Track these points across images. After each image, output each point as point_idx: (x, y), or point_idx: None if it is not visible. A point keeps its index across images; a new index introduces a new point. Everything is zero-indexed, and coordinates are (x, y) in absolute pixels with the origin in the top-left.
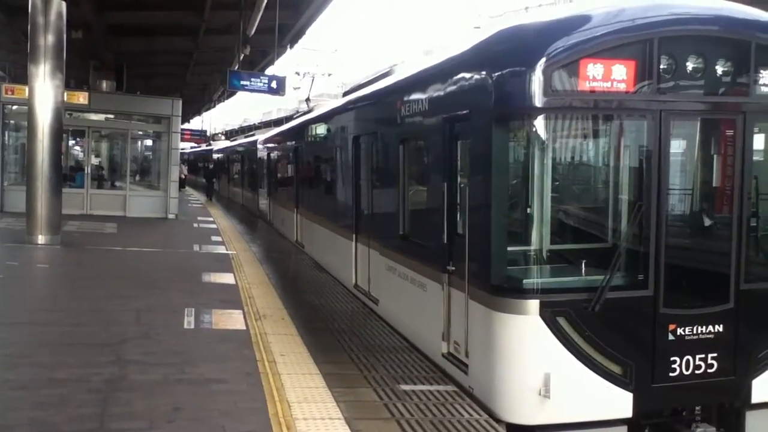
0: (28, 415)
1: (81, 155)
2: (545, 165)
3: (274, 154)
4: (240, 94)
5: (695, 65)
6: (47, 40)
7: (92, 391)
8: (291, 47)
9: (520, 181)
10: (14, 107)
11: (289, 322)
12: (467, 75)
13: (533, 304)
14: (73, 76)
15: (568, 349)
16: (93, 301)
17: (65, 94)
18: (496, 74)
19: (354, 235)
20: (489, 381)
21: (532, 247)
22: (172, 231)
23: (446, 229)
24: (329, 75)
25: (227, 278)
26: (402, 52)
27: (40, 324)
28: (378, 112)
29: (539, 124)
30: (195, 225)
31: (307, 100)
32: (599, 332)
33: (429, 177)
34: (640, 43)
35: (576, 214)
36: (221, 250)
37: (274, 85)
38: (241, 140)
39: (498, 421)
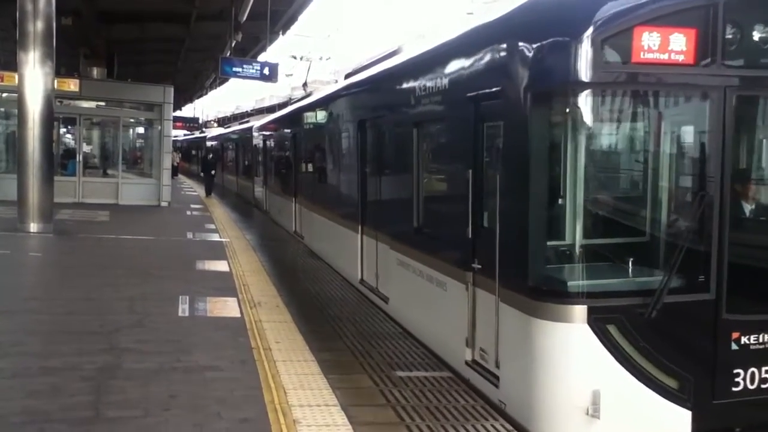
0: (21, 404)
1: (72, 143)
2: (591, 149)
3: (270, 141)
4: (232, 82)
5: (763, 34)
6: (36, 26)
7: (86, 379)
8: (283, 34)
9: (563, 167)
10: (4, 95)
11: (284, 309)
12: (498, 47)
13: (580, 311)
14: (64, 64)
15: (620, 361)
16: (86, 290)
17: (55, 81)
18: (535, 45)
19: (359, 227)
20: (526, 397)
21: (578, 243)
22: (165, 219)
23: (471, 222)
24: (327, 59)
25: (221, 266)
26: (394, 38)
27: (33, 312)
28: (387, 94)
29: (585, 101)
30: (188, 213)
31: (305, 85)
32: (654, 342)
33: (448, 164)
34: (701, 8)
35: (625, 206)
36: (215, 237)
37: (266, 71)
38: (235, 127)
39: None
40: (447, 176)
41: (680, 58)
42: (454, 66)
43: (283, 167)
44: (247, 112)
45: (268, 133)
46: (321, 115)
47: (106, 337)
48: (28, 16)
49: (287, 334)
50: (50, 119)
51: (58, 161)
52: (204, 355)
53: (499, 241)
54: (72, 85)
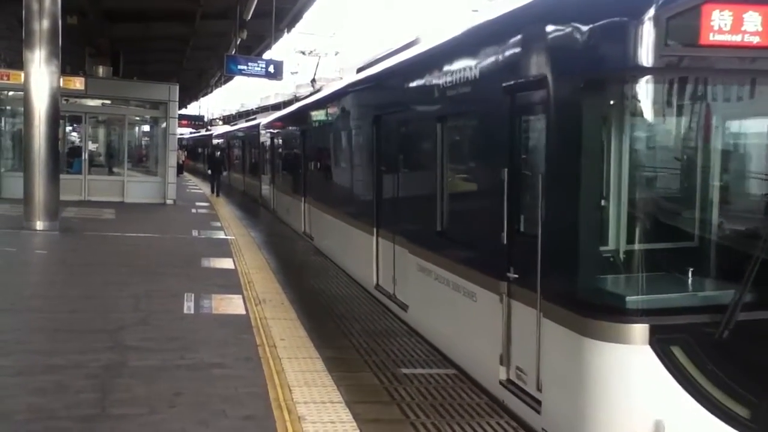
0: (26, 402)
1: (78, 141)
2: (651, 143)
3: (278, 138)
4: (237, 80)
5: None
6: (42, 25)
7: (91, 377)
8: (288, 31)
9: (619, 164)
10: (10, 93)
11: (289, 306)
12: (541, 31)
13: (641, 330)
14: (69, 62)
15: (685, 388)
16: (91, 287)
17: (61, 79)
18: (587, 27)
19: (375, 229)
20: (576, 427)
21: (637, 251)
22: (171, 216)
23: (506, 225)
24: (336, 54)
25: (226, 263)
26: (397, 37)
27: (38, 310)
28: (406, 87)
29: (646, 89)
30: (193, 210)
31: (313, 81)
32: (724, 365)
33: (478, 161)
34: None
35: (688, 208)
36: (220, 235)
37: (271, 69)
38: (242, 124)
39: None
40: (476, 175)
41: (755, 40)
42: (487, 53)
43: (292, 165)
44: (252, 110)
45: (275, 130)
46: (332, 111)
47: (110, 335)
48: (34, 15)
49: (292, 332)
50: (56, 117)
51: (64, 159)
52: (209, 352)
53: (542, 248)
54: (78, 83)
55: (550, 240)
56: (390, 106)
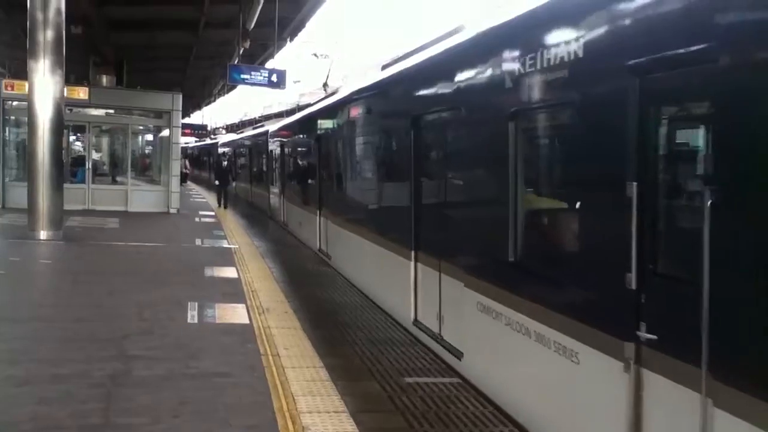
0: (32, 411)
1: (82, 150)
2: None
3: (289, 146)
4: (240, 89)
5: None
6: (46, 35)
7: (96, 386)
8: (291, 40)
9: None
10: (14, 103)
11: (293, 315)
12: None
13: None
14: (73, 72)
15: None
16: (96, 297)
17: (65, 89)
18: None
19: (413, 252)
20: None
21: None
22: (174, 225)
23: (635, 264)
24: (348, 56)
25: (230, 272)
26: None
27: (43, 319)
28: (460, 79)
29: None
30: (197, 219)
31: (325, 85)
32: None
33: (583, 171)
34: None
35: None
36: (224, 244)
37: (274, 78)
38: (249, 132)
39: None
40: (579, 190)
41: None
42: (599, 22)
43: (305, 174)
44: (254, 118)
45: (286, 137)
46: (354, 114)
47: (115, 344)
48: (39, 26)
49: (296, 341)
50: (60, 127)
51: (68, 169)
52: (213, 361)
53: (710, 302)
54: (81, 93)
55: (727, 290)
56: (433, 103)
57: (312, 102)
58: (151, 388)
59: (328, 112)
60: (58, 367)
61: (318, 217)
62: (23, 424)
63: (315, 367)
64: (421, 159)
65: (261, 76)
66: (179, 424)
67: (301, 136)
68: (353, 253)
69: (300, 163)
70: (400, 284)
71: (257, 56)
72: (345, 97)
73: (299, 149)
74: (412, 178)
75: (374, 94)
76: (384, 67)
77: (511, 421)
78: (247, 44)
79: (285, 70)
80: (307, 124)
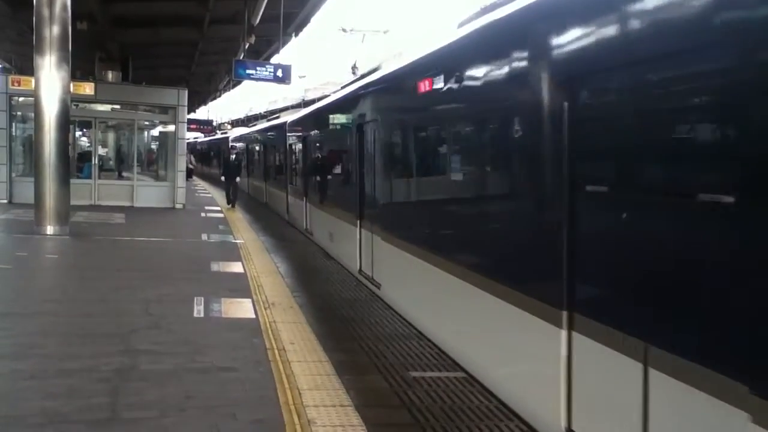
0: (39, 405)
1: (88, 146)
2: None
3: (314, 140)
4: (245, 84)
5: None
6: (52, 31)
7: (103, 380)
8: (296, 35)
9: None
10: (21, 99)
11: (298, 310)
12: None
13: None
14: (79, 68)
15: None
16: (102, 291)
17: (71, 84)
18: None
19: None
20: None
21: None
22: (180, 221)
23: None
24: (385, 32)
25: (236, 267)
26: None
27: (50, 314)
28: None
29: None
30: (202, 215)
31: (354, 67)
32: None
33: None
34: None
35: None
36: (229, 239)
37: (279, 73)
38: (263, 124)
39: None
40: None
41: None
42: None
43: (339, 174)
44: (260, 113)
45: (311, 128)
46: (413, 96)
47: (122, 339)
48: (45, 22)
49: (302, 335)
50: (66, 123)
51: (74, 164)
52: (219, 355)
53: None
54: (87, 88)
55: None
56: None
57: (346, 84)
58: (158, 383)
59: (370, 93)
60: (65, 362)
61: (358, 230)
62: (30, 418)
63: (320, 361)
64: (574, 148)
65: (266, 71)
66: (185, 418)
67: (334, 125)
68: (413, 280)
69: (330, 159)
70: (498, 337)
71: (262, 52)
72: (397, 71)
73: (329, 144)
74: (545, 176)
75: (456, 64)
76: (461, 25)
77: (516, 415)
78: (252, 40)
79: (290, 65)
80: (342, 108)
